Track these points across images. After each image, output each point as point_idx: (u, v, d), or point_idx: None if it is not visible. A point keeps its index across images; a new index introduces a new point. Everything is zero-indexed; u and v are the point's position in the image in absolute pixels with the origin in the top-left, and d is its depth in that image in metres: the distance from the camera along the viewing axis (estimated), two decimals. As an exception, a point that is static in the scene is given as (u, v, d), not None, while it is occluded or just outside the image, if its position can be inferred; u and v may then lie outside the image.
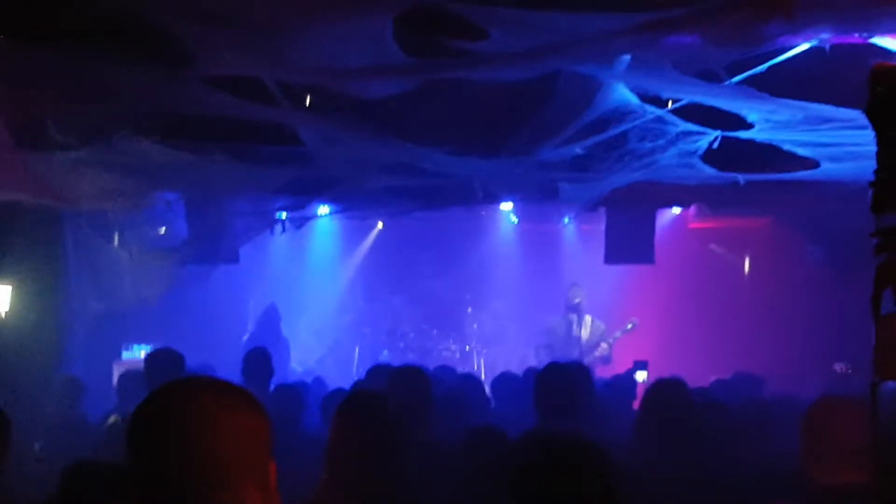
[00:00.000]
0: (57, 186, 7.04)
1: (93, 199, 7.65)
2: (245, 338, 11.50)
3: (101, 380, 8.17)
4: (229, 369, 6.57)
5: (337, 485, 3.48)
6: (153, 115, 6.38)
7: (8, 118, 5.76)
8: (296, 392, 5.94)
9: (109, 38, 4.81)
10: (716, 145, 6.86)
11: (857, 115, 5.15)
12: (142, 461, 1.68)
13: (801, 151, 6.92)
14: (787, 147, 6.82)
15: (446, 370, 7.50)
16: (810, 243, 11.01)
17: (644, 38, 4.52)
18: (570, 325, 10.73)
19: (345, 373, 11.60)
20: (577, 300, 10.80)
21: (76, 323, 8.80)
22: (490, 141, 6.95)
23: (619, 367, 9.62)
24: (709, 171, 7.54)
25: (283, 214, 10.38)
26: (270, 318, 11.50)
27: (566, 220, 12.93)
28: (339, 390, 5.86)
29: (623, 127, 6.48)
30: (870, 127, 2.98)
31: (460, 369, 9.61)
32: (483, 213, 12.62)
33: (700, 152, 7.07)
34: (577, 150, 7.06)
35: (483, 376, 11.41)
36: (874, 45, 4.55)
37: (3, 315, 7.89)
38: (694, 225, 12.95)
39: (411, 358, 11.51)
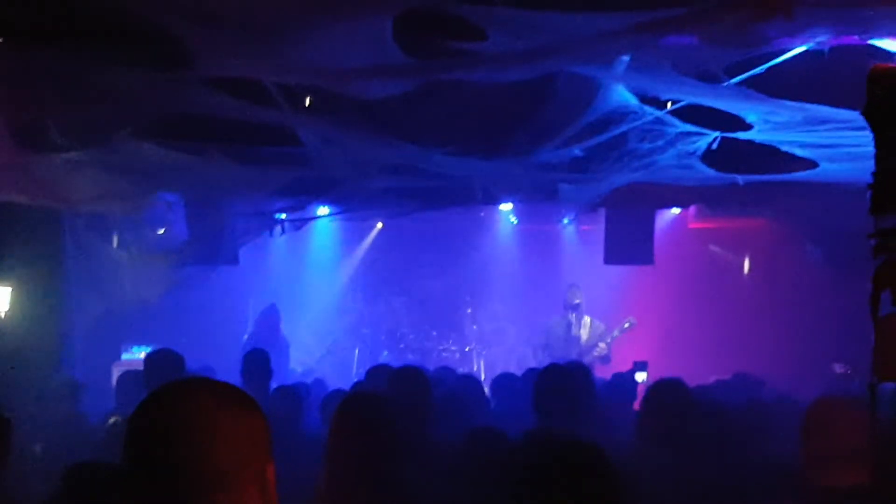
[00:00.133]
0: (57, 188, 7.05)
1: (93, 200, 7.66)
2: (245, 338, 11.49)
3: (101, 381, 8.16)
4: (229, 370, 6.56)
5: (336, 485, 3.48)
6: (153, 116, 6.38)
7: (8, 119, 5.76)
8: (295, 393, 5.94)
9: (110, 40, 4.82)
10: (715, 146, 6.87)
11: (856, 117, 5.14)
12: (141, 462, 1.68)
13: (799, 152, 6.93)
14: (785, 148, 6.83)
15: (446, 371, 7.49)
16: (809, 244, 11.02)
17: (643, 38, 4.53)
18: (569, 325, 10.74)
19: (344, 373, 11.60)
20: (576, 300, 10.81)
21: (76, 324, 8.80)
22: (490, 142, 6.95)
23: (619, 368, 9.61)
24: (708, 171, 7.55)
25: (283, 216, 10.39)
26: (271, 319, 11.49)
27: (566, 220, 12.93)
28: (338, 391, 5.86)
29: (622, 128, 6.49)
30: (868, 128, 2.98)
31: (460, 370, 9.61)
32: (482, 213, 12.63)
33: (699, 153, 7.08)
34: (577, 151, 7.07)
35: (483, 377, 11.41)
36: (872, 47, 4.56)
37: (3, 316, 7.89)
38: (693, 225, 12.95)
39: (411, 359, 11.51)
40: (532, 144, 6.84)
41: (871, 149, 3.03)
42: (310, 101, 6.15)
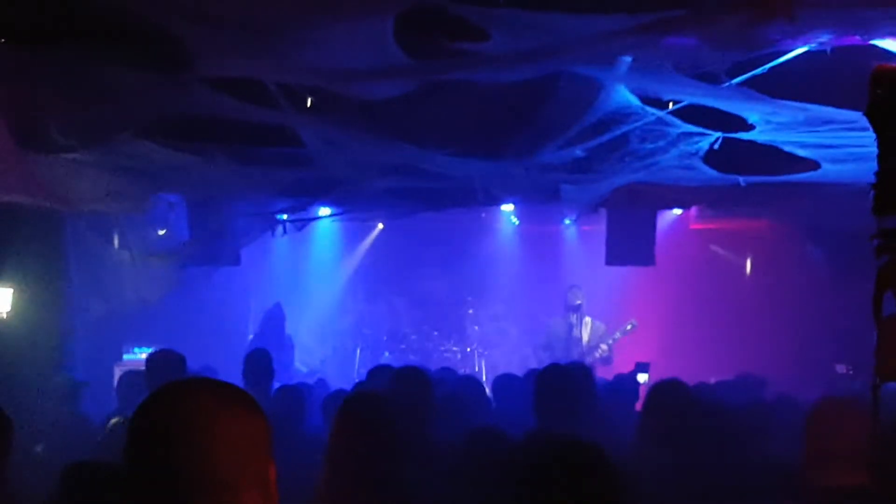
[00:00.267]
0: (58, 188, 7.05)
1: (94, 200, 7.66)
2: (250, 337, 11.50)
3: (102, 381, 8.16)
4: (231, 371, 6.57)
5: (338, 485, 3.48)
6: (154, 116, 6.38)
7: (10, 120, 5.76)
8: (297, 393, 5.93)
9: (111, 40, 4.82)
10: (716, 147, 6.86)
11: (858, 117, 5.15)
12: (142, 462, 1.68)
13: (801, 153, 6.92)
14: (787, 148, 6.83)
15: (447, 371, 7.49)
16: (811, 244, 11.01)
17: (645, 39, 4.52)
18: (570, 326, 10.74)
19: (346, 374, 11.60)
20: (577, 301, 10.81)
21: (77, 324, 8.80)
22: (491, 142, 6.95)
23: (621, 369, 9.61)
24: (710, 172, 7.55)
25: (284, 216, 10.39)
26: (275, 319, 11.49)
27: (567, 221, 12.93)
28: (340, 391, 5.86)
29: (624, 128, 6.49)
30: (870, 128, 2.98)
31: (461, 370, 9.61)
32: (484, 214, 12.63)
33: (701, 153, 7.08)
34: (578, 151, 7.07)
35: (484, 377, 11.41)
36: (874, 47, 4.56)
37: (5, 317, 7.89)
38: (695, 226, 12.94)
39: (412, 359, 11.51)
40: (533, 145, 6.84)
41: (873, 149, 3.02)
42: (311, 101, 6.15)
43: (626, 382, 7.10)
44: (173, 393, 1.76)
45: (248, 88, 5.70)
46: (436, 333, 13.00)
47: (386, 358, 12.03)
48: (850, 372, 9.08)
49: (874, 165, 2.98)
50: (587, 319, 10.82)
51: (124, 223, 9.10)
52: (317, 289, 13.30)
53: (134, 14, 4.54)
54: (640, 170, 7.49)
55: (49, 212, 7.86)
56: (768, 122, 6.11)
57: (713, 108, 6.13)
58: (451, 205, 9.70)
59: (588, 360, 9.88)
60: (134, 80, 5.38)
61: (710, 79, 5.41)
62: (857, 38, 4.49)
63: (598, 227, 10.99)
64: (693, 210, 11.97)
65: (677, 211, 12.05)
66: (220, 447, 1.67)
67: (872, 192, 2.82)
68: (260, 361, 6.39)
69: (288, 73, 5.52)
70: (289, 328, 11.68)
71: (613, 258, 10.52)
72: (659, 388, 4.57)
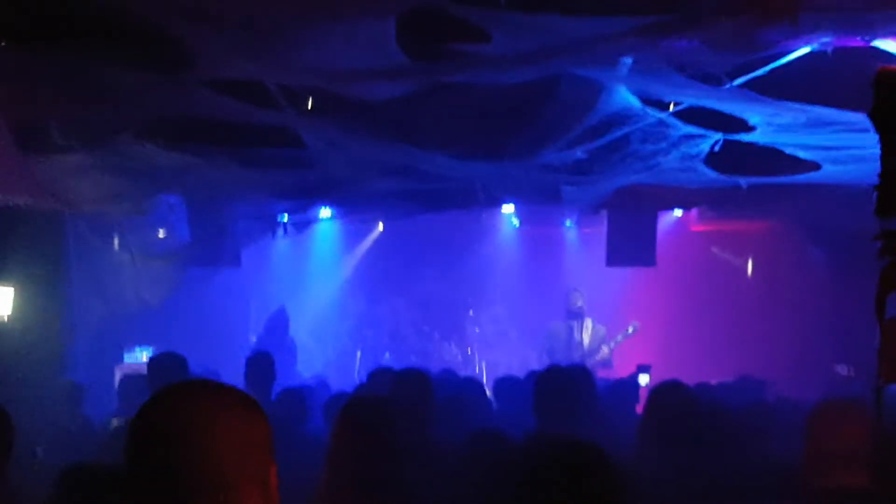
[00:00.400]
0: (59, 189, 7.05)
1: (95, 201, 7.66)
2: (252, 339, 11.50)
3: (103, 383, 8.16)
4: (232, 372, 6.56)
5: (339, 487, 3.47)
6: (155, 117, 6.39)
7: (11, 121, 5.76)
8: (299, 395, 5.93)
9: (112, 41, 4.82)
10: (718, 148, 6.86)
11: (859, 118, 5.14)
12: (142, 463, 1.68)
13: (802, 154, 6.92)
14: (789, 150, 6.82)
15: (448, 373, 7.48)
16: (812, 246, 11.01)
17: (646, 41, 4.52)
18: (570, 329, 10.73)
19: (347, 376, 11.60)
20: (578, 303, 10.80)
21: (78, 326, 8.79)
22: (492, 144, 6.95)
23: (622, 371, 9.61)
24: (710, 173, 7.54)
25: (285, 217, 10.39)
26: (279, 322, 11.48)
27: (568, 222, 12.92)
28: (341, 393, 5.85)
29: (625, 130, 6.49)
30: (871, 129, 2.97)
31: (462, 372, 9.60)
32: (484, 215, 12.61)
33: (702, 155, 7.07)
34: (579, 153, 7.07)
35: (484, 379, 11.40)
36: (876, 48, 4.55)
37: (6, 318, 7.89)
38: (696, 227, 12.93)
39: (413, 361, 11.49)
40: (534, 146, 6.84)
41: (874, 150, 3.02)
42: (312, 102, 6.15)
43: (626, 384, 7.11)
44: (174, 395, 1.76)
45: (249, 89, 5.70)
46: (436, 335, 13.00)
47: (387, 359, 12.03)
48: (851, 373, 9.07)
49: (875, 167, 2.97)
50: (588, 322, 10.81)
51: (125, 224, 9.10)
52: (317, 290, 13.29)
53: (134, 14, 4.54)
54: (641, 171, 7.49)
55: (50, 213, 7.86)
56: (769, 123, 6.11)
57: (714, 109, 6.13)
58: (452, 206, 9.71)
59: (589, 363, 9.87)
60: (134, 81, 5.39)
61: (712, 80, 5.41)
62: (859, 39, 4.49)
63: (599, 229, 10.99)
64: (694, 211, 11.97)
65: (678, 212, 12.06)
66: (221, 449, 1.67)
67: (875, 194, 2.81)
68: (262, 364, 6.38)
69: (289, 73, 5.52)
70: (290, 330, 11.67)
71: (614, 259, 10.51)
72: (660, 390, 4.56)
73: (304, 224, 11.13)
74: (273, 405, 5.64)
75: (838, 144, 6.38)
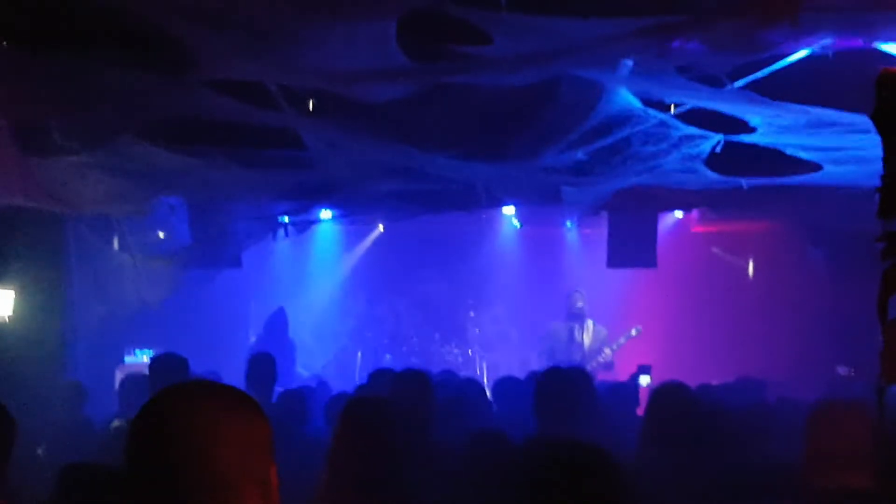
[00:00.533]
0: (60, 191, 7.05)
1: (96, 203, 7.66)
2: (252, 340, 11.49)
3: (104, 384, 8.16)
4: (233, 374, 6.56)
5: (339, 488, 3.47)
6: (156, 119, 6.38)
7: (12, 122, 5.76)
8: (300, 396, 5.93)
9: (113, 43, 4.82)
10: (719, 149, 6.85)
11: (860, 119, 5.14)
12: (143, 464, 1.68)
13: (804, 155, 6.92)
14: (790, 151, 6.82)
15: (448, 374, 7.48)
16: (814, 247, 11.00)
17: (648, 43, 4.52)
18: (571, 330, 10.72)
19: (347, 377, 11.59)
20: (579, 305, 10.79)
21: (79, 327, 8.79)
22: (494, 145, 6.95)
23: (624, 373, 9.60)
24: (711, 175, 7.54)
25: (286, 219, 10.39)
26: (279, 323, 11.49)
27: (568, 223, 12.92)
28: (342, 394, 5.85)
29: (626, 131, 6.49)
30: (872, 130, 2.97)
31: (462, 373, 9.59)
32: (485, 216, 12.61)
33: (703, 156, 7.07)
34: (580, 154, 7.06)
35: (485, 380, 11.39)
36: (877, 50, 4.55)
37: (7, 319, 7.89)
38: (697, 228, 12.93)
39: (413, 362, 11.49)
40: (535, 148, 6.83)
41: (875, 152, 3.01)
42: (313, 103, 6.15)
43: (627, 385, 7.11)
44: (175, 395, 1.76)
45: (250, 90, 5.70)
46: (437, 336, 13.00)
47: (387, 360, 12.03)
48: (852, 374, 9.07)
49: (877, 168, 2.97)
50: (589, 323, 10.80)
51: (125, 226, 9.10)
52: (318, 291, 13.29)
53: (135, 16, 4.54)
54: (642, 172, 7.48)
55: (50, 214, 7.86)
56: (770, 124, 6.11)
57: (715, 110, 6.13)
58: (453, 207, 9.70)
59: (591, 365, 9.87)
60: (135, 82, 5.38)
61: (713, 82, 5.41)
62: (860, 41, 4.49)
63: (600, 230, 10.99)
64: (695, 212, 11.97)
65: (679, 213, 12.05)
66: (221, 449, 1.67)
67: (877, 196, 2.81)
68: (263, 365, 6.38)
69: (289, 74, 5.52)
70: (290, 331, 11.68)
71: (615, 260, 10.51)
72: (661, 391, 4.56)
73: (304, 225, 11.12)
74: (274, 406, 5.65)
75: (839, 145, 6.38)
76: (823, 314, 10.65)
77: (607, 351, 10.56)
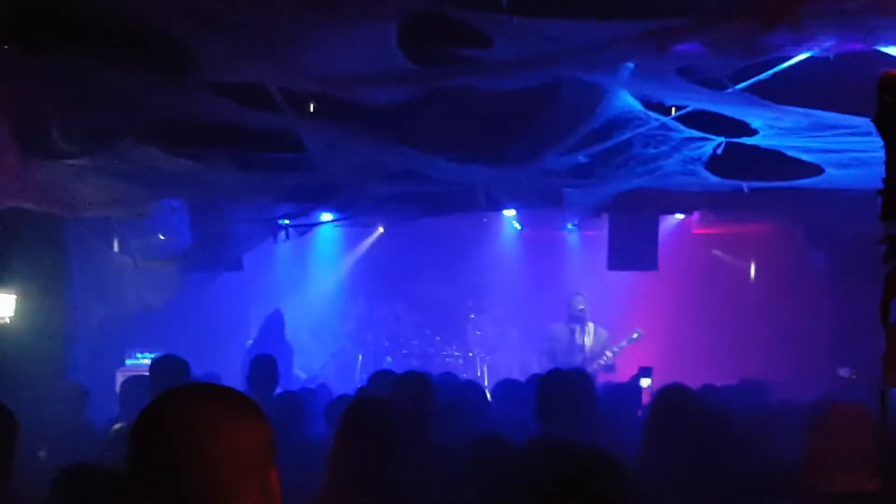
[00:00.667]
0: (61, 193, 7.04)
1: (97, 206, 7.66)
2: (249, 343, 11.49)
3: (105, 387, 8.16)
4: (233, 376, 6.56)
5: (339, 490, 3.47)
6: (157, 121, 6.38)
7: (12, 125, 5.76)
8: (300, 399, 5.93)
9: (114, 45, 4.82)
10: (720, 151, 6.85)
11: (862, 122, 5.14)
12: (144, 466, 1.68)
13: (805, 158, 6.91)
14: (791, 153, 6.82)
15: (449, 376, 7.48)
16: (815, 249, 11.00)
17: (649, 46, 4.52)
18: (572, 332, 10.72)
19: (348, 379, 11.59)
20: (580, 307, 10.79)
21: (80, 330, 8.79)
22: (494, 148, 6.95)
23: (626, 375, 9.59)
24: (712, 177, 7.54)
25: (287, 221, 10.39)
26: (274, 324, 11.49)
27: (569, 226, 12.92)
28: (342, 396, 5.85)
29: (627, 133, 6.48)
30: (874, 133, 2.96)
31: (463, 376, 9.60)
32: (486, 218, 12.62)
33: (704, 158, 7.07)
34: (581, 157, 7.06)
35: (486, 383, 11.40)
36: (880, 52, 4.55)
37: (8, 322, 7.89)
38: (697, 231, 12.93)
39: (414, 364, 11.50)
40: (536, 150, 6.83)
41: (877, 154, 3.01)
42: (313, 106, 6.15)
43: (628, 388, 7.10)
44: (176, 398, 1.76)
45: (251, 92, 5.70)
46: (437, 338, 13.00)
47: (388, 363, 12.02)
48: (854, 376, 9.07)
49: (878, 170, 2.96)
50: (590, 325, 10.80)
51: (126, 228, 9.10)
52: (318, 293, 13.29)
53: (136, 18, 4.54)
54: (643, 175, 7.48)
55: (51, 217, 7.86)
56: (772, 126, 6.10)
57: (716, 112, 6.12)
58: (454, 209, 9.70)
59: (592, 367, 9.86)
60: (136, 85, 5.38)
61: (714, 84, 5.40)
62: (862, 44, 4.48)
63: (601, 232, 10.99)
64: (696, 215, 11.97)
65: (679, 216, 12.05)
66: (222, 452, 1.68)
67: (880, 199, 2.80)
68: (264, 367, 6.38)
69: (290, 77, 5.52)
70: (290, 333, 11.68)
71: (616, 263, 10.52)
72: (663, 393, 4.57)
73: (305, 228, 11.13)
74: (274, 408, 5.65)
75: (841, 148, 6.37)
76: (824, 316, 10.65)
77: (608, 353, 10.56)
